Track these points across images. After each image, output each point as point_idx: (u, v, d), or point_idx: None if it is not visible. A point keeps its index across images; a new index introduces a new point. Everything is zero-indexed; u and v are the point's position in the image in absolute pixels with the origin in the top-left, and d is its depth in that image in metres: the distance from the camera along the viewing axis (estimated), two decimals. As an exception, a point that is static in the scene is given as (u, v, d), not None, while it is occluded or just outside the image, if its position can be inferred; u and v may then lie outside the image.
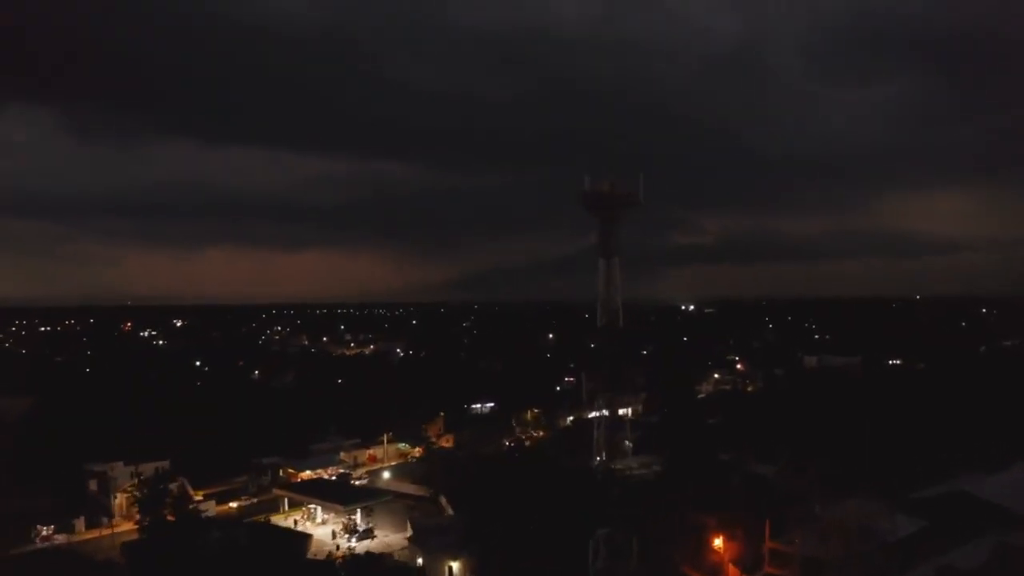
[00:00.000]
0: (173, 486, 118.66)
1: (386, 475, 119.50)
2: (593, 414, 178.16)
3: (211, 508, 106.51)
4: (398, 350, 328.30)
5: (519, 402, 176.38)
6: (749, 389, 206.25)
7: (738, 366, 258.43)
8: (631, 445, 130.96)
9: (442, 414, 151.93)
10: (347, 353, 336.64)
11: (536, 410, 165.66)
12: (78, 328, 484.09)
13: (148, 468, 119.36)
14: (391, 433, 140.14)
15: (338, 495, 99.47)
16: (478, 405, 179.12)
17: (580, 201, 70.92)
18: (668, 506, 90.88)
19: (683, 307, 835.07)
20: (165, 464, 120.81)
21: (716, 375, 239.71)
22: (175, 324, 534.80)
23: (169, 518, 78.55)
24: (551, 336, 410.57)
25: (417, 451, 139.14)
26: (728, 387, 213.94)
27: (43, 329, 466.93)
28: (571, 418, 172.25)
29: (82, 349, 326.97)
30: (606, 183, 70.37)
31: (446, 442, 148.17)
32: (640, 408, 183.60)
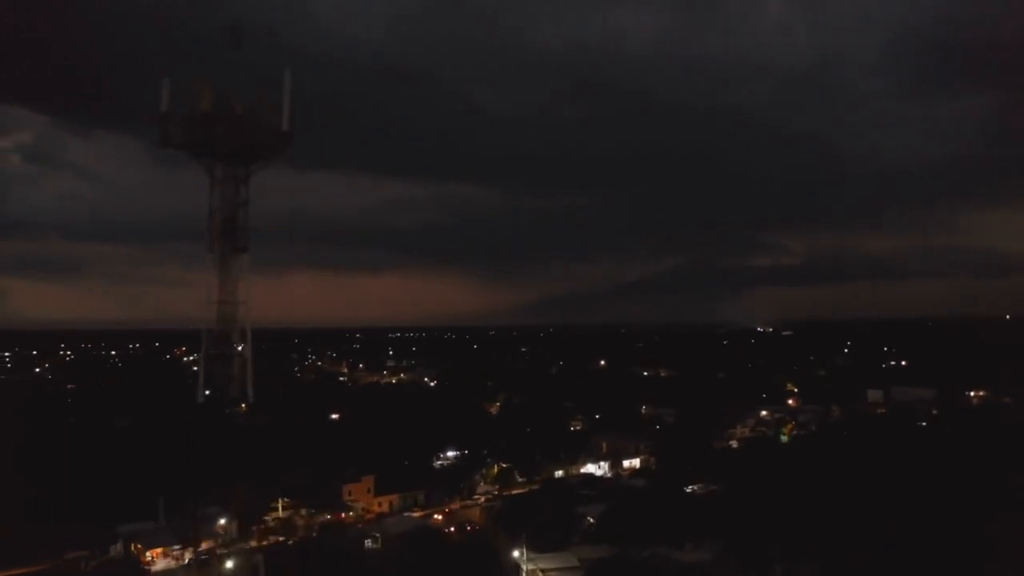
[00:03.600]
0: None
1: (229, 564, 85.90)
2: (590, 467, 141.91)
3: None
4: (426, 379, 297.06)
5: (500, 450, 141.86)
6: (790, 434, 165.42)
7: (790, 401, 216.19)
8: (592, 522, 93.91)
9: (374, 474, 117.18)
10: (379, 381, 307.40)
11: (504, 464, 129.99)
12: (130, 352, 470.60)
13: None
14: (286, 498, 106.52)
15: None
16: (452, 453, 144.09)
17: (158, 137, 34.10)
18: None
19: (760, 329, 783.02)
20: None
21: (764, 412, 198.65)
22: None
23: None
24: (602, 363, 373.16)
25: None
26: (769, 430, 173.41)
27: (96, 353, 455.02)
28: (560, 472, 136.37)
29: (107, 375, 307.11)
30: (205, 96, 33.48)
31: (378, 506, 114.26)
32: (651, 460, 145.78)
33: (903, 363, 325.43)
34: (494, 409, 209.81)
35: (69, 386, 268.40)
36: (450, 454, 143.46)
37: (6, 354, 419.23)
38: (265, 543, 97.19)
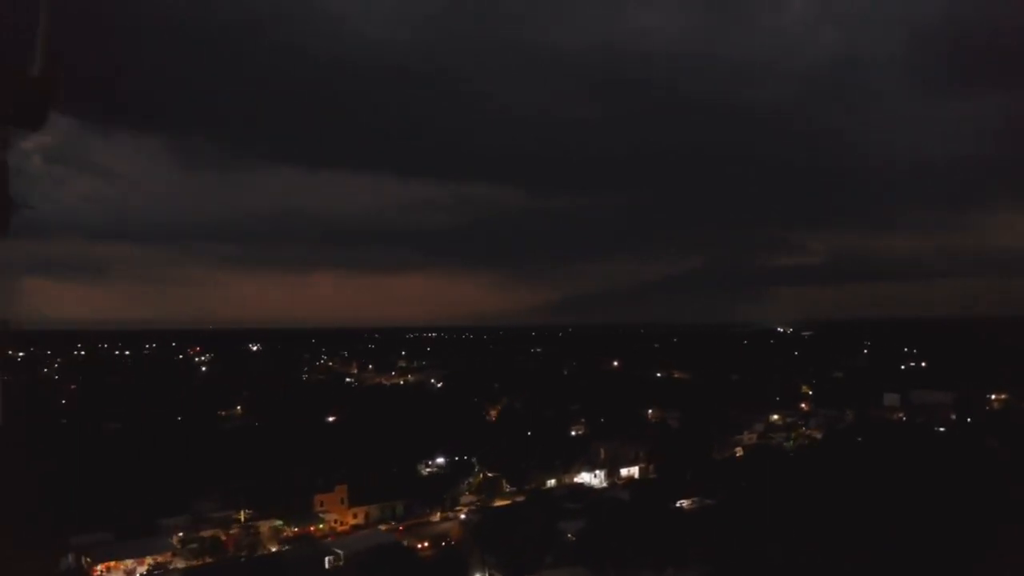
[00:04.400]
0: None
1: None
2: (584, 476, 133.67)
3: None
4: (432, 380, 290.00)
5: (493, 456, 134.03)
6: (798, 441, 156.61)
7: (803, 405, 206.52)
8: (572, 539, 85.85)
9: (344, 483, 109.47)
10: (382, 383, 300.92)
11: (491, 473, 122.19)
12: (145, 352, 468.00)
13: None
14: (250, 509, 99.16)
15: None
16: (442, 460, 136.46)
17: None
18: None
19: (780, 330, 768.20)
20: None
21: (775, 416, 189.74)
22: (250, 348, 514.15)
23: None
24: (615, 364, 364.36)
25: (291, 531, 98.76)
26: (778, 436, 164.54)
27: (108, 354, 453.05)
28: (552, 481, 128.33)
29: (100, 375, 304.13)
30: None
31: (353, 518, 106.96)
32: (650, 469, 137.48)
33: (923, 364, 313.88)
34: (496, 412, 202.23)
35: (71, 387, 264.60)
36: (440, 461, 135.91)
37: (20, 354, 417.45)
38: (214, 559, 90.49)
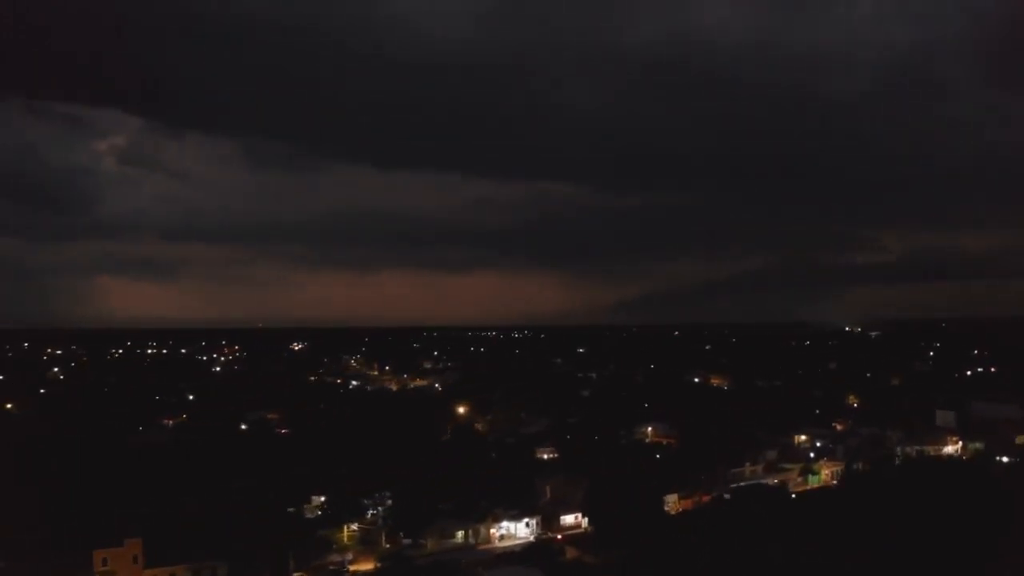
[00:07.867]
0: None
1: None
2: (507, 526, 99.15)
3: None
4: (436, 386, 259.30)
5: (402, 493, 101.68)
6: (809, 475, 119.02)
7: (837, 424, 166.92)
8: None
9: (139, 537, 78.31)
10: (391, 386, 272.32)
11: (355, 527, 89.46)
12: (181, 352, 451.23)
13: None
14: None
15: None
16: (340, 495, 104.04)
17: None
18: None
19: (848, 329, 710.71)
20: None
21: (803, 436, 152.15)
22: (294, 348, 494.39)
23: None
24: (651, 367, 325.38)
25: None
26: (794, 468, 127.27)
27: (151, 352, 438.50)
28: (461, 532, 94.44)
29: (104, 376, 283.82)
30: None
31: (150, 585, 75.95)
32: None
33: (992, 369, 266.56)
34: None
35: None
36: (333, 498, 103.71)
37: (58, 352, 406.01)
38: None
